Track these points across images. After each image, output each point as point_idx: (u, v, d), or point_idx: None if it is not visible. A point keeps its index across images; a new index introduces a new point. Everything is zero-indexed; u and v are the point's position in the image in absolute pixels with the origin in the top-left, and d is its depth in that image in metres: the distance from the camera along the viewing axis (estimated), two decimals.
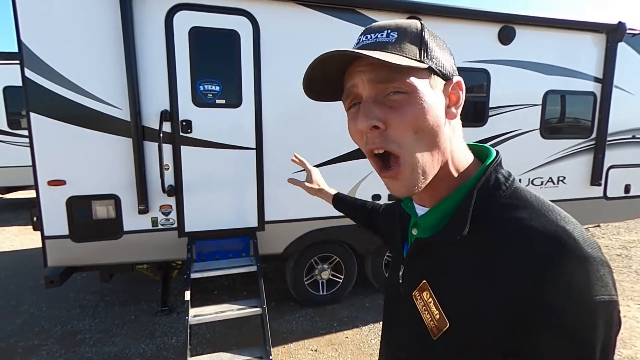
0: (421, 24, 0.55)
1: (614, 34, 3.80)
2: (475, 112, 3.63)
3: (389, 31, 0.52)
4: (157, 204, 2.88)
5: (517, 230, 0.49)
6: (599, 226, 6.15)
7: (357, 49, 0.53)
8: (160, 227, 2.92)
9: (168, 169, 2.85)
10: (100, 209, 2.77)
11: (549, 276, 0.44)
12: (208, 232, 3.02)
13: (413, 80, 0.51)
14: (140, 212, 2.81)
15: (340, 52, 0.49)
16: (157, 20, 2.69)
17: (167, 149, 2.82)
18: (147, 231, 2.89)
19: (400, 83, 0.50)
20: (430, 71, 0.53)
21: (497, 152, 0.59)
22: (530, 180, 3.90)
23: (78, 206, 2.71)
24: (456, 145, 0.57)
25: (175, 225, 2.94)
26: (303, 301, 3.53)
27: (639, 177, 4.26)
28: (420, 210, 0.62)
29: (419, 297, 0.58)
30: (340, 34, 3.07)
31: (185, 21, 2.74)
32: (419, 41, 0.52)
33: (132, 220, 2.83)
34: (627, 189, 4.23)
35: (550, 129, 3.87)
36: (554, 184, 4.00)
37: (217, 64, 2.89)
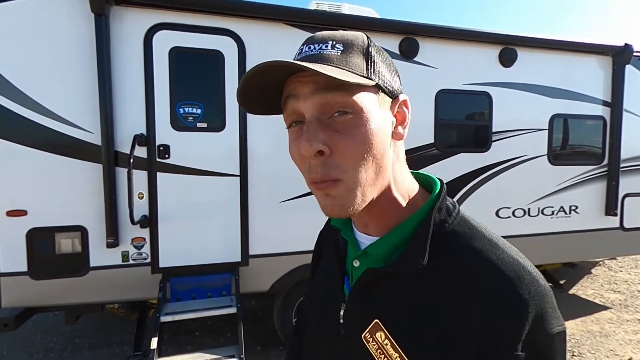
0: (367, 37, 0.51)
1: (620, 56, 3.64)
2: (478, 137, 3.41)
3: (334, 42, 0.48)
4: (129, 237, 2.61)
5: (477, 262, 0.48)
6: (614, 259, 5.76)
7: (299, 59, 0.48)
8: (131, 262, 2.63)
9: (142, 197, 2.60)
10: (64, 242, 2.50)
11: (511, 312, 0.44)
12: (185, 267, 2.73)
13: (360, 98, 0.46)
14: (109, 245, 2.53)
15: (280, 63, 0.44)
16: (136, 40, 2.53)
17: (142, 176, 2.59)
18: (116, 267, 2.60)
19: (346, 101, 0.46)
20: (378, 88, 0.49)
21: (442, 181, 0.58)
22: (540, 209, 3.61)
23: (40, 239, 2.45)
24: (399, 169, 0.54)
25: (149, 260, 2.66)
26: None
27: None
28: (365, 239, 0.56)
29: (371, 340, 0.51)
30: None
31: (165, 41, 2.59)
32: (366, 56, 0.49)
33: (99, 254, 2.55)
34: None
35: (558, 155, 3.63)
36: (565, 213, 3.70)
37: (199, 85, 2.71)
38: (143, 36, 2.54)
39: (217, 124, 2.72)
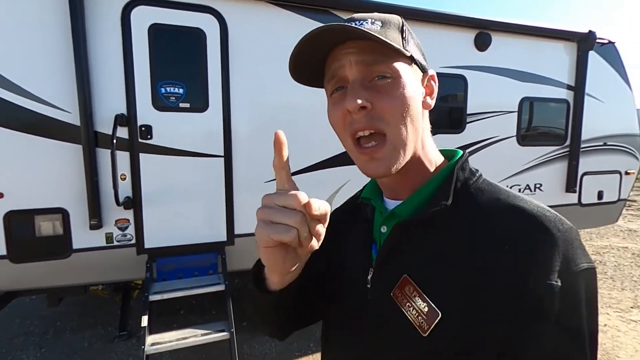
0: (401, 18, 0.56)
1: (584, 42, 3.85)
2: (453, 118, 3.56)
3: (373, 20, 0.53)
4: (113, 218, 2.59)
5: (502, 207, 0.51)
6: None
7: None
8: (116, 243, 2.62)
9: (125, 179, 2.57)
10: (44, 224, 2.45)
11: (541, 245, 0.46)
12: (171, 248, 2.74)
13: (398, 66, 0.52)
14: (93, 227, 2.50)
15: (333, 27, 0.48)
16: (112, 15, 2.44)
17: (124, 157, 2.55)
18: (100, 249, 2.58)
19: (386, 67, 0.51)
20: (412, 60, 0.54)
21: (464, 151, 0.61)
22: (508, 187, 3.82)
23: (18, 222, 2.39)
24: (427, 136, 0.59)
25: (134, 241, 2.65)
26: None
27: (610, 183, 4.31)
28: (393, 205, 0.60)
29: (400, 295, 0.54)
30: None
31: (144, 17, 2.51)
32: (401, 32, 0.54)
33: (82, 236, 2.52)
34: (600, 195, 4.27)
35: (526, 136, 3.85)
36: (531, 191, 3.97)
37: (181, 64, 2.66)
38: (120, 11, 2.45)
39: (200, 104, 2.70)
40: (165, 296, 2.47)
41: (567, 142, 4.03)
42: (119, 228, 2.61)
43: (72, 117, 2.39)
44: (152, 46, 2.53)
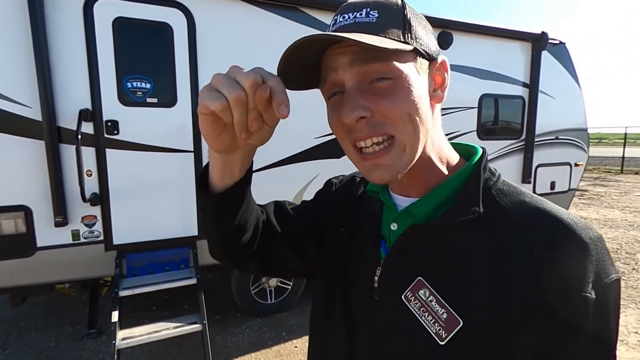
0: (401, 0, 0.49)
1: (538, 42, 4.11)
2: None
3: (368, 10, 0.47)
4: (79, 215, 2.55)
5: (529, 211, 0.48)
6: None
7: (334, 31, 0.48)
8: (83, 240, 2.59)
9: (91, 175, 2.54)
10: (6, 222, 2.39)
11: (573, 254, 0.44)
12: (141, 243, 2.74)
13: (398, 64, 0.46)
14: (58, 224, 2.46)
15: (318, 37, 0.44)
16: (74, 8, 2.38)
17: (90, 152, 2.51)
18: (66, 246, 2.54)
19: (385, 68, 0.46)
20: (416, 53, 0.48)
21: (484, 148, 0.57)
22: None
23: None
24: (437, 132, 0.54)
25: (102, 237, 2.63)
26: (250, 312, 3.35)
27: (561, 174, 4.66)
28: (403, 201, 0.56)
29: (413, 298, 0.50)
30: (282, 33, 2.96)
31: (107, 11, 2.46)
32: (402, 20, 0.48)
33: (47, 234, 2.48)
34: (552, 185, 4.60)
35: (486, 131, 4.08)
36: None
37: (148, 59, 2.64)
38: (82, 4, 2.40)
39: (168, 99, 2.69)
40: (136, 291, 2.48)
41: (523, 136, 4.31)
42: (86, 225, 2.58)
43: (34, 112, 2.33)
44: (117, 40, 2.50)
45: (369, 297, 0.55)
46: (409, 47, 0.46)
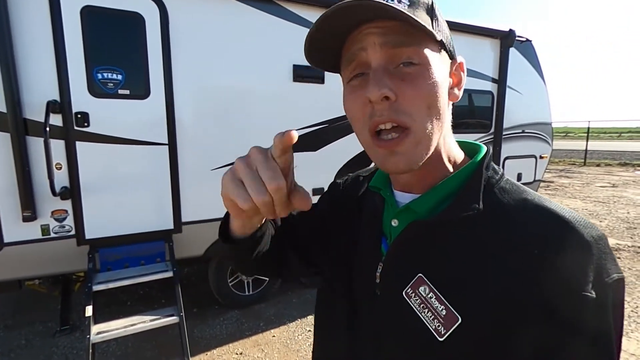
0: None
1: (506, 39, 4.28)
2: None
3: None
4: (49, 209, 2.49)
5: (530, 209, 0.47)
6: None
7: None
8: (53, 235, 2.53)
9: (61, 168, 2.48)
10: None
11: (574, 252, 0.43)
12: (114, 238, 2.70)
13: (427, 51, 0.46)
14: (26, 219, 2.40)
15: (369, 3, 0.42)
16: None
17: (59, 145, 2.45)
18: (35, 241, 2.48)
19: (414, 52, 0.46)
20: (441, 46, 0.49)
21: (488, 147, 0.58)
22: None
23: None
24: (449, 130, 0.54)
25: (73, 232, 2.58)
26: (228, 304, 3.38)
27: (527, 166, 4.90)
28: (405, 198, 0.56)
29: (413, 295, 0.50)
30: (257, 25, 2.96)
31: None
32: (431, 12, 0.48)
33: (14, 229, 2.40)
34: (519, 177, 4.83)
35: (457, 124, 4.19)
36: None
37: (119, 49, 2.58)
38: None
39: (140, 90, 2.64)
40: (110, 285, 2.45)
41: (492, 130, 4.49)
42: (56, 219, 2.52)
43: None
44: (86, 30, 2.43)
45: (371, 293, 0.56)
46: (439, 36, 0.46)
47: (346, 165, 3.56)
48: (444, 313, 0.47)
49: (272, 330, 3.07)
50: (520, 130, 4.74)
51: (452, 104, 0.55)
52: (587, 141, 16.44)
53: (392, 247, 0.55)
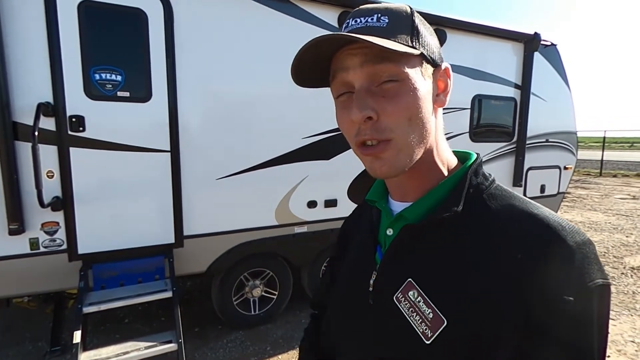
0: (410, 8, 0.53)
1: (530, 43, 4.03)
2: None
3: (379, 15, 0.50)
4: (38, 222, 2.28)
5: (516, 214, 0.49)
6: None
7: (348, 32, 0.50)
8: (42, 249, 2.31)
9: (52, 176, 2.27)
10: None
11: (556, 257, 0.44)
12: (110, 252, 2.48)
13: (406, 67, 0.49)
14: (12, 232, 2.19)
15: (335, 36, 0.47)
16: None
17: (51, 151, 2.24)
18: (23, 256, 2.27)
19: (393, 70, 0.48)
20: (422, 58, 0.51)
21: (478, 154, 0.59)
22: None
23: None
24: (440, 136, 0.56)
25: (65, 246, 2.36)
26: (232, 323, 3.12)
27: (551, 178, 4.60)
28: (400, 207, 0.58)
29: (403, 299, 0.52)
30: (266, 24, 2.75)
31: None
32: (410, 26, 0.50)
33: (0, 243, 2.19)
34: (542, 189, 4.54)
35: (478, 133, 3.98)
36: None
37: (119, 48, 2.38)
38: None
39: (141, 93, 2.44)
40: (103, 307, 2.22)
41: (515, 139, 4.22)
42: (47, 232, 2.31)
43: None
44: (83, 27, 2.24)
45: (365, 301, 0.57)
46: (416, 52, 0.49)
47: (361, 174, 3.32)
48: (431, 316, 0.48)
49: (280, 356, 2.80)
50: (544, 140, 4.45)
51: (441, 111, 0.56)
52: (602, 151, 16.02)
53: (386, 254, 0.57)
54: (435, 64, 0.53)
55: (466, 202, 0.51)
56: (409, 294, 0.52)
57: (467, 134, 3.87)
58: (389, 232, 0.58)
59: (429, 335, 0.48)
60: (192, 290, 3.89)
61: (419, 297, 0.50)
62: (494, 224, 0.49)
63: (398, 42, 0.48)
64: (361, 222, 0.70)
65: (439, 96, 0.54)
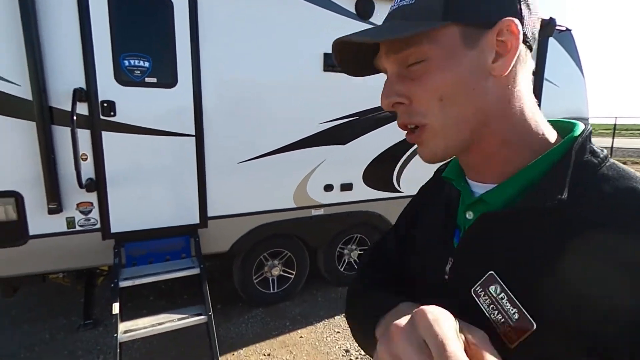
0: None
1: (545, 28, 4.02)
2: None
3: None
4: (74, 202, 2.41)
5: (636, 205, 0.39)
6: None
7: (385, 17, 0.49)
8: (78, 228, 2.45)
9: (86, 159, 2.39)
10: None
11: None
12: (140, 232, 2.61)
13: (431, 45, 0.44)
14: (51, 211, 2.32)
15: (335, 44, 0.48)
16: None
17: (85, 135, 2.35)
18: (61, 234, 2.41)
19: (416, 51, 0.45)
20: (460, 25, 0.43)
21: (587, 124, 0.50)
22: None
23: None
24: (513, 108, 0.46)
25: (98, 225, 2.49)
26: (252, 301, 3.28)
27: None
28: (480, 188, 0.51)
29: (482, 294, 0.45)
30: (288, 11, 2.81)
31: None
32: None
33: (40, 222, 2.33)
34: None
35: None
36: None
37: (146, 35, 2.46)
38: None
39: (168, 79, 2.53)
40: (137, 282, 2.36)
41: None
42: (82, 212, 2.44)
43: (23, 90, 2.16)
44: (113, 14, 2.32)
45: (440, 288, 0.52)
46: (442, 24, 0.43)
47: (376, 159, 3.40)
48: (517, 317, 0.41)
49: (299, 331, 2.95)
50: None
51: (519, 76, 0.46)
52: (613, 138, 15.86)
53: (462, 241, 0.51)
54: (488, 24, 0.43)
55: (574, 185, 0.42)
56: (490, 289, 0.45)
57: None
58: (469, 215, 0.52)
59: (514, 339, 0.41)
60: (211, 271, 4.04)
61: (502, 294, 0.43)
62: (604, 213, 0.40)
63: (419, 22, 0.43)
64: (438, 198, 0.62)
65: (496, 62, 0.44)
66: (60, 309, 3.19)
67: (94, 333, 2.87)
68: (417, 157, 3.81)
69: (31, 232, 2.32)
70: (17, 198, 2.25)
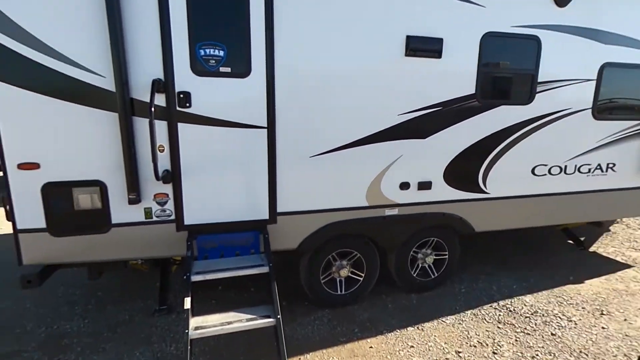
0: None
1: None
2: (521, 88, 3.11)
3: None
4: (151, 192, 2.44)
5: None
6: (617, 222, 5.38)
7: None
8: (155, 219, 2.48)
9: (163, 150, 2.39)
10: (83, 197, 2.33)
11: None
12: (211, 225, 2.59)
13: None
14: (131, 201, 2.36)
15: None
16: None
17: (162, 126, 2.35)
18: (139, 224, 2.46)
19: None
20: None
21: None
22: (577, 167, 3.42)
23: (56, 194, 2.28)
24: None
25: (173, 217, 2.51)
26: (318, 301, 3.13)
27: None
28: None
29: None
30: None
31: None
32: None
33: (121, 211, 2.40)
34: None
35: (603, 109, 3.36)
36: (602, 171, 3.53)
37: (221, 23, 2.36)
38: None
39: (241, 68, 2.42)
40: (208, 277, 2.33)
41: None
42: (158, 203, 2.46)
43: (107, 81, 2.19)
44: (191, 3, 2.25)
45: None
46: None
47: (460, 155, 3.02)
48: None
49: (368, 340, 2.73)
50: None
51: None
52: None
53: None
54: None
55: None
56: None
57: (590, 110, 3.28)
58: None
59: None
60: (276, 266, 4.00)
61: None
62: None
63: None
64: None
65: None
66: (139, 293, 3.35)
67: (168, 319, 2.95)
68: (507, 154, 3.35)
69: (113, 220, 2.40)
70: (101, 187, 2.33)
